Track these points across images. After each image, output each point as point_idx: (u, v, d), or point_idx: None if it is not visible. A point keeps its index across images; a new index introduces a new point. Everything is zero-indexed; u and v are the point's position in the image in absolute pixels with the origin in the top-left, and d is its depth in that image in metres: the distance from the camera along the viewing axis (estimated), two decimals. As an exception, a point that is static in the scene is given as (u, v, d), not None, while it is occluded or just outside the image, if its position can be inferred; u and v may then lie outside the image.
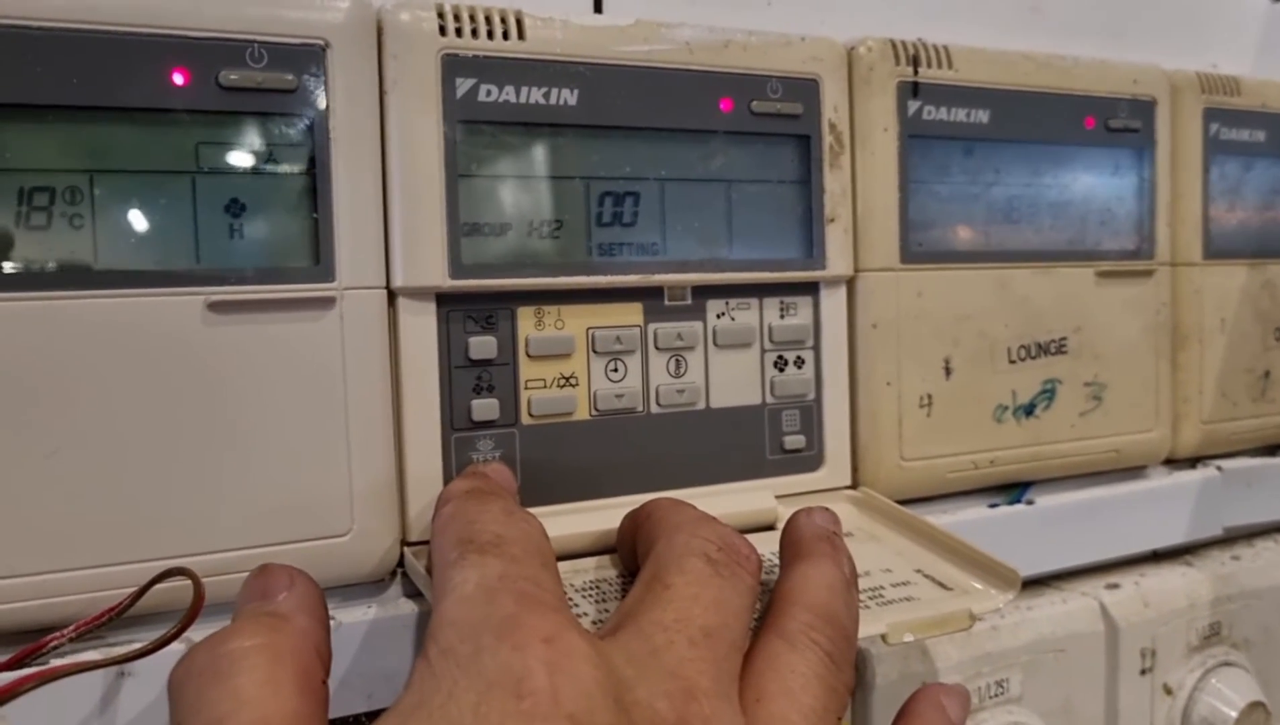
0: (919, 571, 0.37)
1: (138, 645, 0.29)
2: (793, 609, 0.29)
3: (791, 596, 0.29)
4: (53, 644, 0.29)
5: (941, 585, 0.36)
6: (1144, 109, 0.49)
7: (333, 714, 0.26)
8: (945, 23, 0.48)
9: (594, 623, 0.32)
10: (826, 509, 0.34)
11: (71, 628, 0.29)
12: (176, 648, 0.30)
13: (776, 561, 0.33)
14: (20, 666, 0.29)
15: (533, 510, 0.35)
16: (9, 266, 0.29)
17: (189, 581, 0.29)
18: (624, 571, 0.35)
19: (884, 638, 0.32)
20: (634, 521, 0.33)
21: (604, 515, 0.36)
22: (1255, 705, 0.48)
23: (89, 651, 0.30)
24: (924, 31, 0.45)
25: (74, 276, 0.30)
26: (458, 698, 0.22)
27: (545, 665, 0.22)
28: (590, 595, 0.33)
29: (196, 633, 0.31)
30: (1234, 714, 0.48)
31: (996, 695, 0.43)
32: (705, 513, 0.31)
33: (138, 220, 0.31)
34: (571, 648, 0.23)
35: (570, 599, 0.33)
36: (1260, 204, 0.54)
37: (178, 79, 0.31)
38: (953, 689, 0.32)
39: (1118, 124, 0.48)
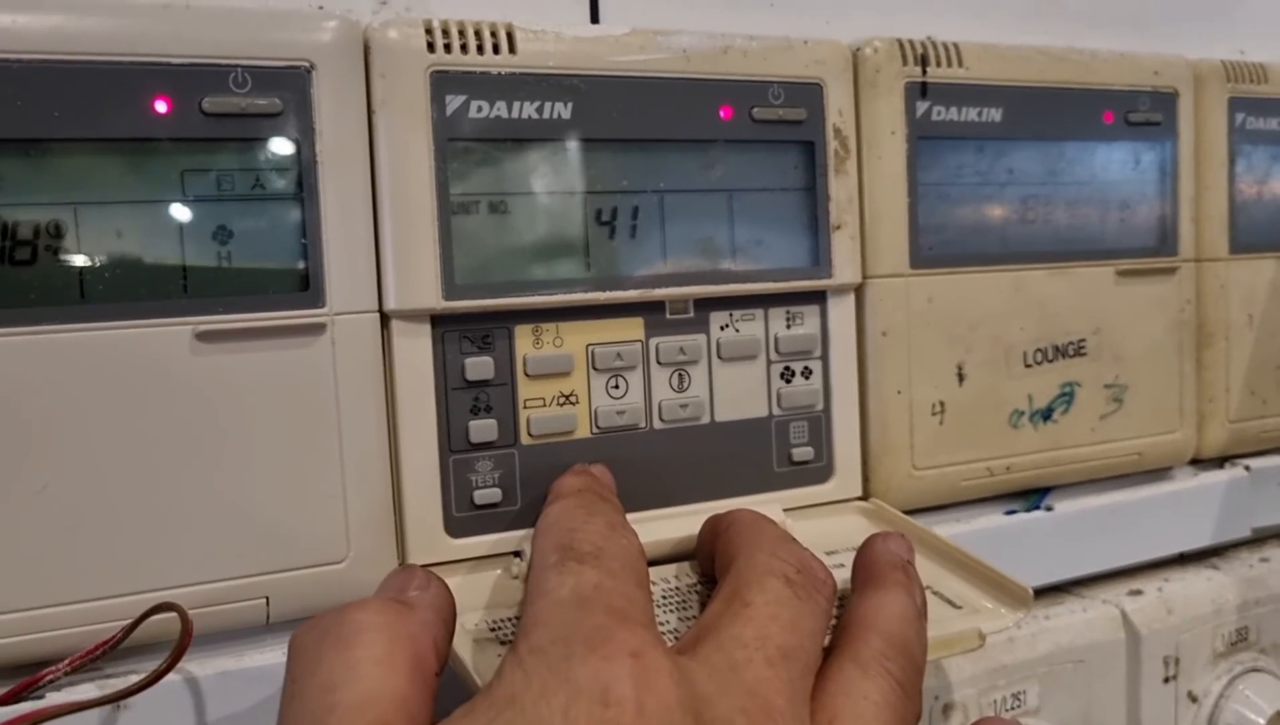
0: (929, 588, 0.36)
1: (133, 680, 0.29)
2: (867, 635, 0.29)
3: (865, 622, 0.30)
4: (48, 678, 0.29)
5: (951, 603, 0.35)
6: (1165, 101, 0.47)
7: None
8: (959, 19, 0.47)
9: (671, 632, 0.32)
10: (902, 536, 0.34)
11: (66, 661, 0.29)
12: (172, 679, 0.30)
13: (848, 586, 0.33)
14: (17, 700, 0.29)
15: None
16: (-4, 301, 0.29)
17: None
18: (698, 579, 0.35)
19: None
20: (714, 530, 0.34)
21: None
22: (1284, 713, 0.47)
23: (85, 684, 0.30)
24: (936, 29, 0.43)
25: (61, 310, 0.29)
26: (548, 698, 0.23)
27: (632, 678, 0.23)
28: (668, 605, 0.33)
29: (191, 664, 0.31)
30: (1262, 721, 0.47)
31: (1013, 708, 0.42)
32: (785, 532, 0.32)
33: (124, 251, 0.30)
34: (657, 664, 0.24)
35: None
36: (1290, 194, 0.52)
37: (160, 107, 0.30)
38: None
39: (1138, 117, 0.47)
